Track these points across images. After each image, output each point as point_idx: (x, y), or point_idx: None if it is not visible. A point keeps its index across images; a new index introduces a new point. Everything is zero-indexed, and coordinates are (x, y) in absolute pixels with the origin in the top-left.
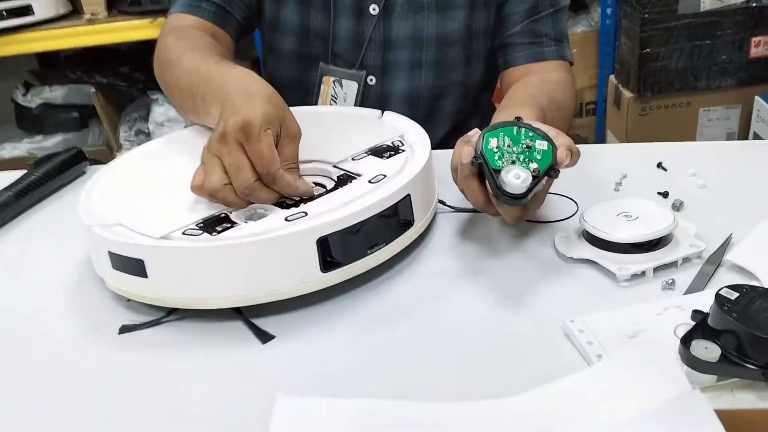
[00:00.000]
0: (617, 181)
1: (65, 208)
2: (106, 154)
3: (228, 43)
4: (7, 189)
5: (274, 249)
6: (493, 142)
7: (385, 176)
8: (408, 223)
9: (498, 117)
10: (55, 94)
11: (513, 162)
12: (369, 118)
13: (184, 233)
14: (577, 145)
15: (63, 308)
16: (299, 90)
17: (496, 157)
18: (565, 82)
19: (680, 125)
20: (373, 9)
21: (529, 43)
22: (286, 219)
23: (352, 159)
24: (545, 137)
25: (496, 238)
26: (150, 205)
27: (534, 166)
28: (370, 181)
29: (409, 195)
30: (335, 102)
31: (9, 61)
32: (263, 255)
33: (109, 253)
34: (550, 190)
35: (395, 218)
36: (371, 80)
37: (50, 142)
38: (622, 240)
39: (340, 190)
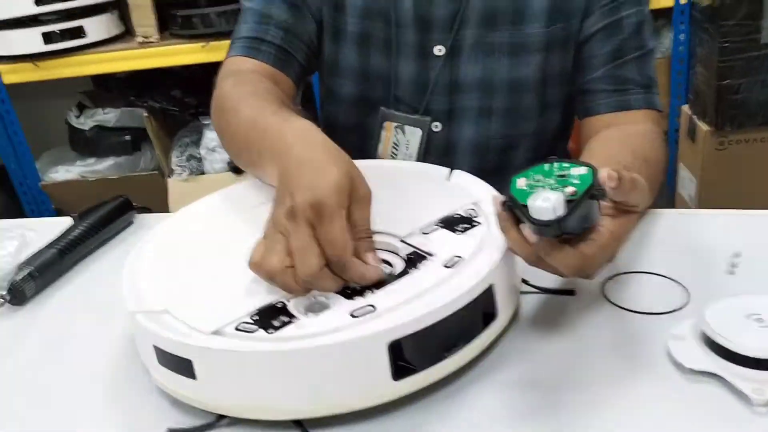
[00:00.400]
0: (732, 262)
1: (111, 268)
2: (158, 178)
3: (290, 86)
4: (52, 245)
5: (339, 355)
6: (521, 182)
7: (461, 258)
8: (490, 317)
9: None
10: (108, 116)
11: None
12: (437, 178)
13: (237, 328)
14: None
15: (102, 400)
16: (359, 136)
17: (526, 195)
18: (653, 134)
19: (762, 162)
20: (439, 50)
21: (613, 90)
22: (351, 314)
23: (422, 233)
24: (585, 164)
25: (591, 331)
26: (201, 284)
27: (569, 188)
28: (445, 266)
29: (492, 285)
30: (397, 149)
31: (63, 82)
32: (327, 361)
33: (155, 347)
34: (651, 270)
35: (476, 312)
36: (436, 127)
37: (102, 165)
38: (757, 354)
39: (412, 275)
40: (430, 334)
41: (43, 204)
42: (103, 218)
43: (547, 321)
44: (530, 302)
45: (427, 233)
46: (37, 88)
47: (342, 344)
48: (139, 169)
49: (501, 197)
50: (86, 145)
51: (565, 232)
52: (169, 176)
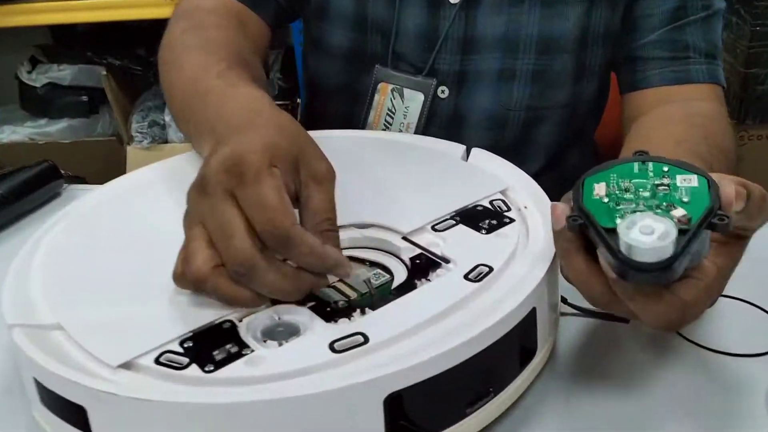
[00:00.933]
0: None
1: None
2: (116, 145)
3: (261, 30)
4: None
5: (313, 411)
6: (600, 189)
7: (490, 269)
8: (529, 354)
9: None
10: (63, 73)
11: (637, 212)
12: (449, 156)
13: (159, 360)
14: None
15: None
16: (346, 99)
17: (608, 211)
18: (721, 117)
19: None
20: None
21: (670, 58)
22: (331, 347)
23: (433, 228)
24: (693, 170)
25: (655, 374)
26: (115, 290)
27: (679, 212)
28: (467, 277)
29: (534, 309)
30: (392, 118)
31: (15, 32)
32: (292, 421)
33: (35, 381)
34: (732, 293)
35: (512, 348)
36: (443, 92)
37: (54, 127)
38: None
39: (420, 289)
40: (446, 383)
41: None
42: (19, 186)
43: (593, 356)
44: (569, 329)
45: (439, 230)
46: None
47: (317, 396)
48: (96, 133)
49: (563, 208)
50: (38, 104)
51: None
52: (128, 143)
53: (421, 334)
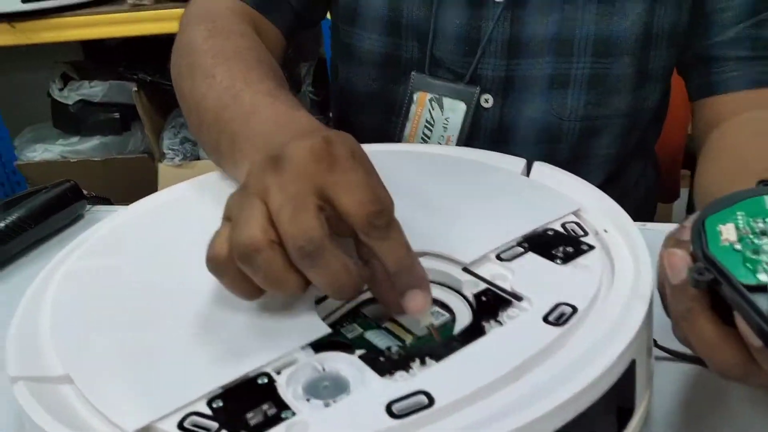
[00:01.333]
0: None
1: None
2: (147, 162)
3: (275, 39)
4: None
5: None
6: (728, 232)
7: (573, 309)
8: (626, 414)
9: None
10: (95, 90)
11: None
12: (508, 172)
13: (182, 424)
14: None
15: None
16: (379, 110)
17: (745, 261)
18: None
19: None
20: None
21: (752, 58)
22: (389, 410)
23: (498, 257)
24: None
25: (761, 425)
26: (137, 334)
27: None
28: (547, 320)
29: (634, 362)
30: (430, 130)
31: (46, 49)
32: None
33: None
34: None
35: (608, 411)
36: (486, 101)
37: (86, 145)
38: None
39: (491, 335)
40: None
41: (18, 186)
42: (38, 209)
43: (694, 411)
44: (662, 377)
45: (505, 259)
46: (16, 55)
47: None
48: (128, 151)
49: (682, 256)
50: (70, 121)
51: None
52: (159, 160)
53: (499, 395)
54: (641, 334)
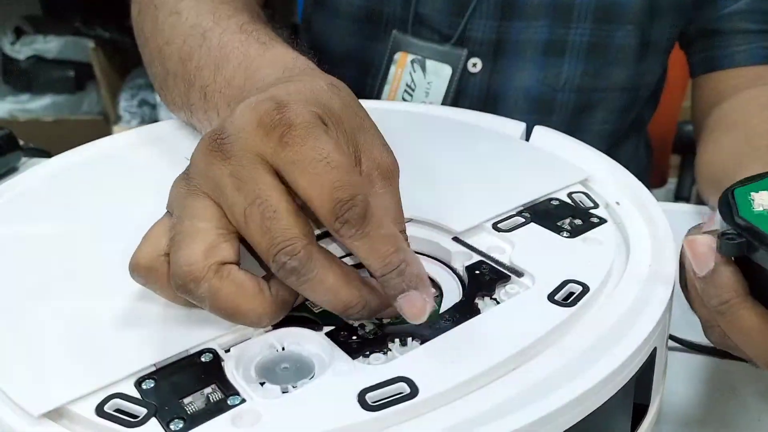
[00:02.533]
0: None
1: None
2: (102, 125)
3: None
4: None
5: None
6: (763, 199)
7: (585, 287)
8: (641, 411)
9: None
10: (49, 46)
11: None
12: (506, 136)
13: (102, 408)
14: None
15: None
16: (355, 70)
17: None
18: None
19: None
20: None
21: (760, 31)
22: (362, 400)
23: (495, 227)
24: None
25: None
26: (56, 300)
27: None
28: (553, 299)
29: (655, 350)
30: (411, 94)
31: (3, 1)
32: None
33: None
34: None
35: (625, 407)
36: (474, 65)
37: (37, 104)
38: None
39: (486, 314)
40: None
41: None
42: None
43: (706, 405)
44: (674, 370)
45: (504, 230)
46: None
47: None
48: (81, 112)
49: (704, 240)
50: (20, 77)
51: None
52: (115, 123)
53: (495, 387)
54: (663, 320)
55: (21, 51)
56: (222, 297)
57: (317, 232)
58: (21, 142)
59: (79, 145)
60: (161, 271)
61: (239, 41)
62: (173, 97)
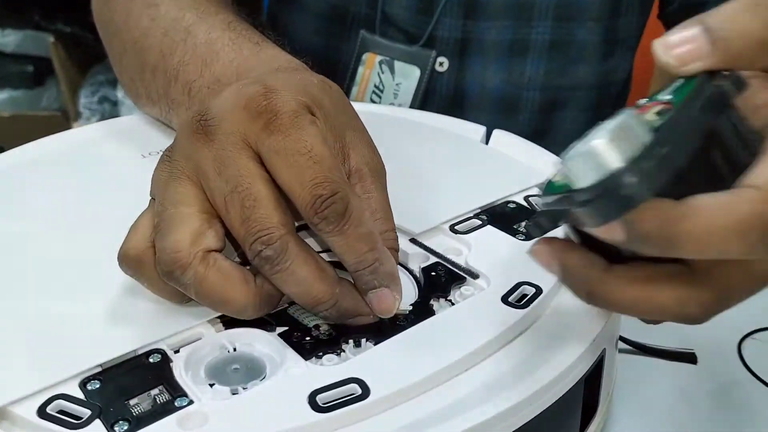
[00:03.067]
0: None
1: None
2: (61, 121)
3: None
4: None
5: None
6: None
7: (537, 290)
8: (590, 412)
9: None
10: (7, 39)
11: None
12: (466, 139)
13: (44, 409)
14: None
15: None
16: (322, 70)
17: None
18: None
19: None
20: None
21: None
22: (312, 401)
23: (452, 229)
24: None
25: (723, 421)
26: (1, 299)
27: (654, 107)
28: (507, 300)
29: (604, 351)
30: (379, 96)
31: None
32: None
33: None
34: None
35: (573, 409)
36: (441, 64)
37: None
38: None
39: (440, 316)
40: None
41: None
42: None
43: (656, 408)
44: (622, 371)
45: (461, 231)
46: None
47: None
48: (40, 107)
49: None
50: None
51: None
52: (74, 120)
53: (447, 387)
54: (614, 321)
55: None
56: (208, 285)
57: (298, 224)
58: None
59: (35, 140)
60: (150, 262)
61: (229, 39)
62: (149, 91)
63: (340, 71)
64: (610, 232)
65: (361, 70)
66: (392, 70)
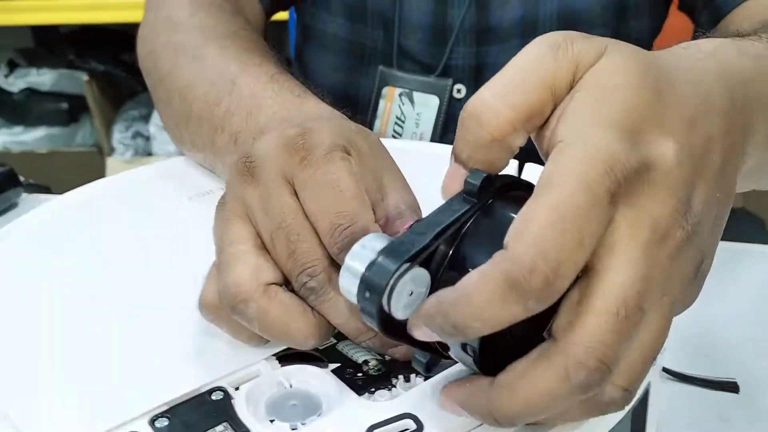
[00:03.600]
0: None
1: None
2: (95, 157)
3: (257, 18)
4: None
5: None
6: None
7: None
8: None
9: None
10: (43, 78)
11: None
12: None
13: None
14: None
15: None
16: (346, 103)
17: None
18: None
19: None
20: None
21: None
22: None
23: None
24: None
25: None
26: (67, 339)
27: None
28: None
29: (649, 385)
30: (401, 126)
31: None
32: None
33: None
34: None
35: None
36: (459, 91)
37: (31, 136)
38: None
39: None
40: None
41: None
42: None
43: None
44: (665, 401)
45: None
46: None
47: None
48: (75, 144)
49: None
50: (14, 110)
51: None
52: (109, 155)
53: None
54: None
55: (14, 83)
56: (270, 318)
57: None
58: (21, 179)
59: (72, 176)
60: (221, 312)
61: (273, 91)
62: (193, 138)
63: (361, 106)
64: (415, 331)
65: (382, 103)
66: (412, 101)
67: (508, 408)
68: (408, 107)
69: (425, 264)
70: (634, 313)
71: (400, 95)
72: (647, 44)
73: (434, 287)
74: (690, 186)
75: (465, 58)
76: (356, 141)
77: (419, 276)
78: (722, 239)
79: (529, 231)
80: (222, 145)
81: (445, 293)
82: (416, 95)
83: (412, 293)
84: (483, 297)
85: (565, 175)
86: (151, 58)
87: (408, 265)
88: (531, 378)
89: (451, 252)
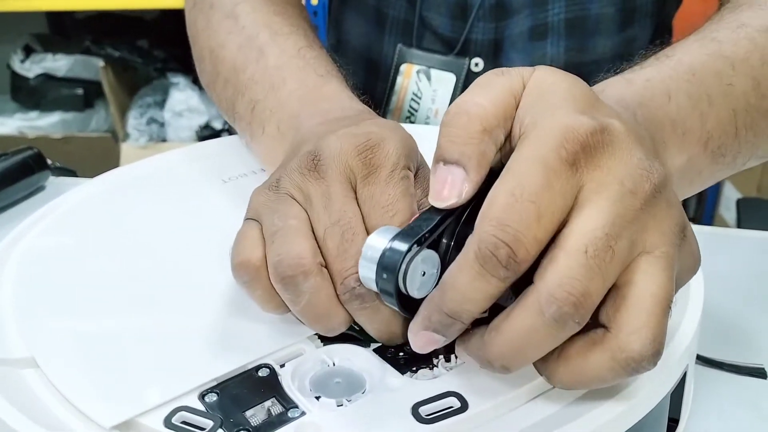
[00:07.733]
0: None
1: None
2: (110, 142)
3: None
4: None
5: None
6: None
7: None
8: (672, 426)
9: None
10: (59, 64)
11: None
12: None
13: (170, 420)
14: None
15: None
16: (368, 71)
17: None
18: None
19: None
20: None
21: None
22: (416, 414)
23: None
24: None
25: None
26: (113, 315)
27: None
28: None
29: (687, 367)
30: (417, 102)
31: (12, 18)
32: None
33: None
34: None
35: (659, 420)
36: (477, 65)
37: (46, 121)
38: None
39: None
40: None
41: None
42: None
43: (730, 423)
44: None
45: None
46: None
47: None
48: (90, 129)
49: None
50: (29, 95)
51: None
52: (123, 141)
53: (541, 400)
54: (695, 339)
55: (30, 69)
56: (320, 296)
57: None
58: (49, 162)
59: (86, 161)
60: (265, 273)
61: (297, 67)
62: (219, 98)
63: (382, 75)
64: (417, 341)
65: (399, 79)
66: (429, 78)
67: (497, 349)
68: (425, 83)
69: (434, 248)
70: (604, 251)
71: (418, 72)
72: (653, 8)
73: (444, 269)
74: (644, 149)
75: (485, 33)
76: (416, 150)
77: (430, 257)
78: (751, 228)
79: (490, 214)
80: (241, 110)
81: (432, 293)
82: (433, 72)
83: (424, 274)
84: (464, 279)
85: (520, 158)
86: (194, 12)
87: (418, 247)
88: (512, 317)
89: (455, 237)
